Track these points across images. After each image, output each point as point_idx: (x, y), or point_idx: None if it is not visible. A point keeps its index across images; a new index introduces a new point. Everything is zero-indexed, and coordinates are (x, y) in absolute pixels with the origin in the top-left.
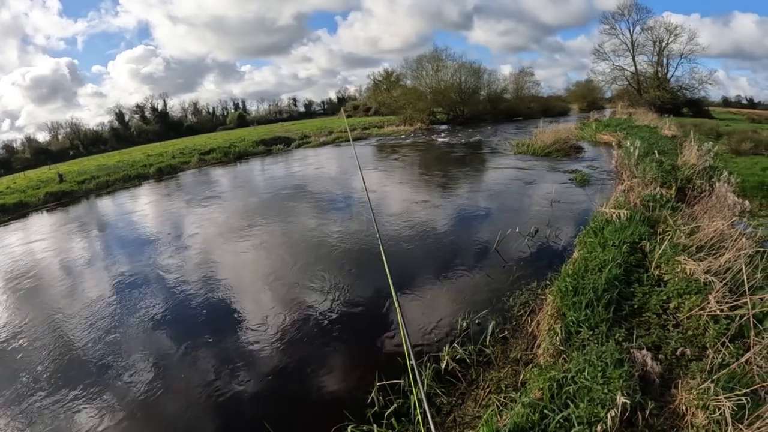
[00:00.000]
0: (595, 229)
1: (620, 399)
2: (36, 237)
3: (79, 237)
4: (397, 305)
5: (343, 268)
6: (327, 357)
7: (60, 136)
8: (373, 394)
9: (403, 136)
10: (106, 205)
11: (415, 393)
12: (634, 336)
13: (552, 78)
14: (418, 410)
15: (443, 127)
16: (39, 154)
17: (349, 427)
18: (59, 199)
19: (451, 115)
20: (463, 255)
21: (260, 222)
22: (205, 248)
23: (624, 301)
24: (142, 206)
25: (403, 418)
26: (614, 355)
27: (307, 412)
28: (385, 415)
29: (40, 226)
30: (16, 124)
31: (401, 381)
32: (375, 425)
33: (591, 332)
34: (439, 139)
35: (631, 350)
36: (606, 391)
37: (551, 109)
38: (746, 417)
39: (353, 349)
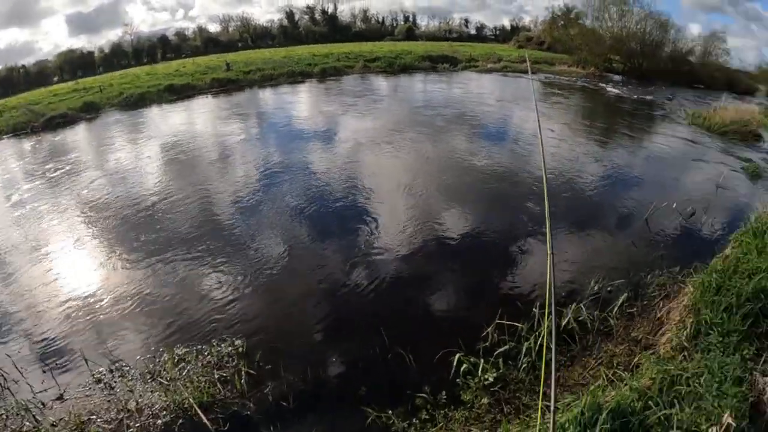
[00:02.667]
0: (756, 230)
1: (727, 418)
2: (198, 117)
3: (236, 121)
4: (549, 251)
5: (487, 199)
6: (452, 280)
7: (230, 28)
8: (489, 329)
9: (573, 78)
10: (267, 96)
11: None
12: (762, 359)
13: (743, 50)
14: (525, 358)
15: (617, 77)
16: (209, 43)
17: (458, 354)
18: (224, 86)
19: (627, 67)
20: (610, 216)
21: (412, 136)
22: (354, 151)
23: (764, 318)
24: (301, 102)
25: (510, 362)
26: (736, 371)
27: (422, 328)
28: (495, 353)
29: (203, 107)
30: (189, 14)
31: (520, 325)
32: (482, 360)
33: (721, 338)
34: (611, 89)
35: (755, 372)
36: (716, 404)
37: (736, 84)
38: None
39: (480, 280)
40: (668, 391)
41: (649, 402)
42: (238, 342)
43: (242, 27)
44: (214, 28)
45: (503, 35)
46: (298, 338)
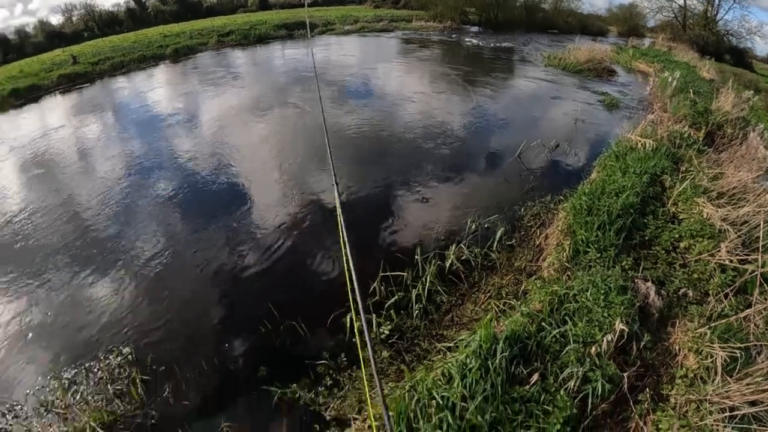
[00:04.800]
0: (617, 153)
1: (619, 325)
2: (47, 120)
3: (90, 118)
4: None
5: (354, 157)
6: (331, 242)
7: (74, 18)
8: (375, 283)
9: (431, 32)
10: (120, 85)
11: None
12: (641, 267)
13: None
14: (417, 305)
15: (474, 29)
16: (53, 38)
17: (348, 314)
18: (73, 81)
19: (483, 18)
20: (479, 158)
21: (274, 105)
22: (218, 130)
23: (636, 231)
24: (157, 87)
25: (402, 311)
26: (619, 281)
27: (309, 295)
28: (386, 306)
29: (52, 108)
30: (28, 7)
31: (404, 274)
32: (374, 315)
33: (599, 254)
34: (468, 41)
35: (636, 280)
36: (606, 314)
37: (589, 27)
38: (736, 370)
39: (359, 238)
40: (559, 311)
41: (543, 323)
42: (126, 350)
43: (86, 15)
44: (56, 20)
45: None
46: (187, 332)
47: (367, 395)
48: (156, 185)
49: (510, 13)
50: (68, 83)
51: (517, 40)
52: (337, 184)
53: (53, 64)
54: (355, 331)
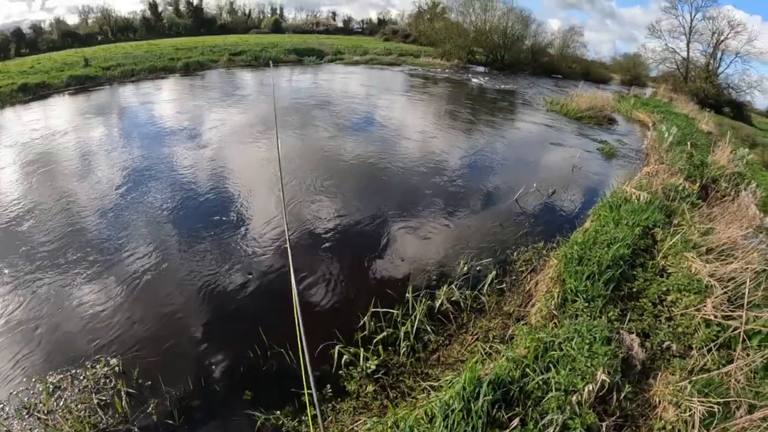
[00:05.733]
0: (612, 204)
1: (600, 375)
2: (53, 120)
3: (96, 123)
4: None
5: (351, 188)
6: (325, 272)
7: (90, 20)
8: (365, 318)
9: (438, 70)
10: (128, 93)
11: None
12: (627, 319)
13: (599, 43)
14: (404, 343)
15: (480, 68)
16: (66, 37)
17: (337, 346)
18: (82, 83)
19: (490, 58)
20: (476, 199)
21: (272, 129)
22: (220, 148)
23: (624, 282)
24: (164, 98)
25: (389, 348)
26: (604, 332)
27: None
28: (374, 341)
29: (59, 108)
30: (46, 4)
31: (395, 311)
32: (362, 349)
33: (586, 304)
34: (474, 80)
35: (621, 331)
36: (589, 364)
37: (592, 74)
38: (714, 425)
39: (353, 271)
40: (543, 358)
41: (527, 369)
42: (113, 361)
43: (102, 18)
44: (72, 20)
45: (370, 28)
46: (176, 348)
47: None
48: (151, 196)
49: (516, 55)
50: (78, 85)
51: (521, 82)
52: (289, 240)
53: (65, 64)
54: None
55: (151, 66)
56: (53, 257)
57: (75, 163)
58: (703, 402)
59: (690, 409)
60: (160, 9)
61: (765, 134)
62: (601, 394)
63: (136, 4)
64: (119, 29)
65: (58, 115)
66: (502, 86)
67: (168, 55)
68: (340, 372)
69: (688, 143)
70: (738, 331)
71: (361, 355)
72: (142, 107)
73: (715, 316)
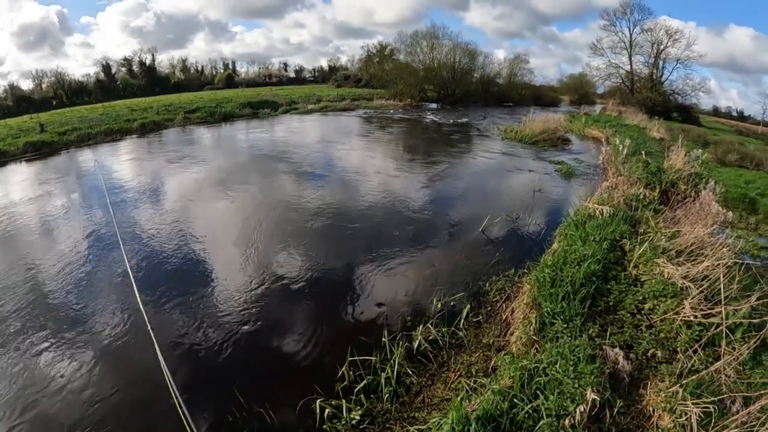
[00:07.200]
0: (577, 222)
1: (590, 395)
2: (11, 188)
3: (54, 189)
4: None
5: (317, 236)
6: (298, 326)
7: (44, 85)
8: (343, 369)
9: (391, 111)
10: (85, 158)
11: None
12: (608, 333)
13: (545, 67)
14: (386, 389)
15: (433, 105)
16: (21, 102)
17: (318, 400)
18: (38, 150)
19: (441, 94)
20: (441, 234)
21: (237, 185)
22: (183, 207)
23: (600, 297)
24: (122, 161)
25: (372, 395)
26: (587, 351)
27: (276, 381)
28: (355, 390)
29: (17, 176)
30: (0, 70)
31: (373, 357)
32: (344, 400)
33: (565, 325)
34: (428, 117)
35: (604, 347)
36: (577, 385)
37: (542, 98)
38: (712, 425)
39: (327, 320)
40: (529, 385)
41: (514, 399)
42: None
43: (56, 83)
44: (26, 85)
45: (322, 75)
46: (147, 419)
47: None
48: (114, 259)
49: (467, 88)
50: (34, 151)
51: (474, 114)
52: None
53: (20, 130)
54: None
55: (107, 128)
56: (23, 332)
57: (34, 234)
58: (697, 404)
59: (685, 413)
60: (113, 71)
61: (715, 132)
62: (593, 413)
63: (89, 67)
64: (73, 92)
65: (14, 183)
66: (457, 120)
67: (123, 117)
68: (324, 427)
69: (643, 152)
70: (720, 327)
71: (344, 407)
72: (97, 172)
73: (695, 317)
